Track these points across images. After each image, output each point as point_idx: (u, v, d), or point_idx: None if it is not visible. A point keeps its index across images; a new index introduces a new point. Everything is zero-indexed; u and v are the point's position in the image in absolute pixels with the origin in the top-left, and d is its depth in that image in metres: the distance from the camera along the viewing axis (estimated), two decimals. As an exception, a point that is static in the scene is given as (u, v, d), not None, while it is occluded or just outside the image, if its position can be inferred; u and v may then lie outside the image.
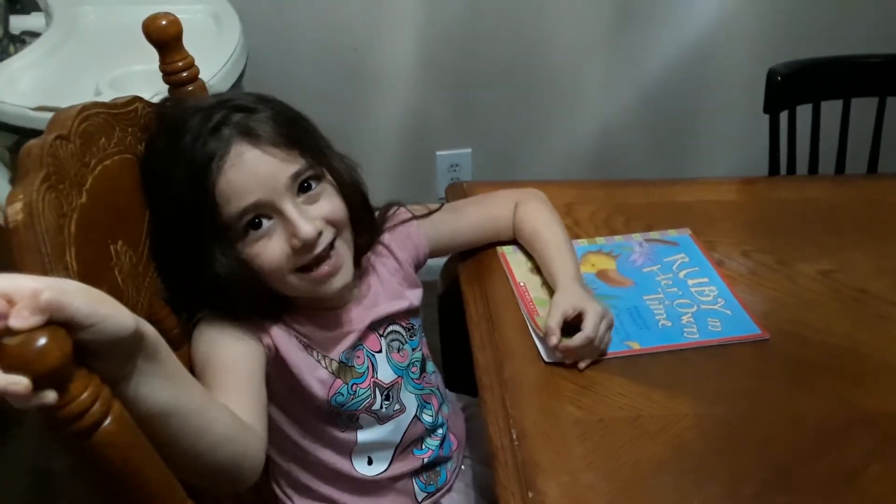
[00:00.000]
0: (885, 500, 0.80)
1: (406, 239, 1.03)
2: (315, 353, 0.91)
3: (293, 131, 0.84)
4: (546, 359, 0.95)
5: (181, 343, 0.88)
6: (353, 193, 0.90)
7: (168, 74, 0.94)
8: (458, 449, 1.07)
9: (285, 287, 0.86)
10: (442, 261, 1.24)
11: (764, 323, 1.01)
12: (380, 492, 0.99)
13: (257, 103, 0.84)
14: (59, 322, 0.51)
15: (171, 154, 0.82)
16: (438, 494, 1.03)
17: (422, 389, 1.01)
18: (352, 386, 0.93)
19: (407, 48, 1.86)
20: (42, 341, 0.50)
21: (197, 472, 0.69)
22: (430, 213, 1.06)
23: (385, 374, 0.96)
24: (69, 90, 1.31)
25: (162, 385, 0.62)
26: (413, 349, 1.00)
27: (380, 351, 0.97)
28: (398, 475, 0.99)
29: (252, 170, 0.80)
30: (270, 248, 0.83)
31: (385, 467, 0.98)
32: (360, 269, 0.96)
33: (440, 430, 1.03)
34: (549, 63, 1.92)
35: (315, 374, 0.91)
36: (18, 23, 1.55)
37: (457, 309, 1.08)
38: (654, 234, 1.16)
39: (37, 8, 1.57)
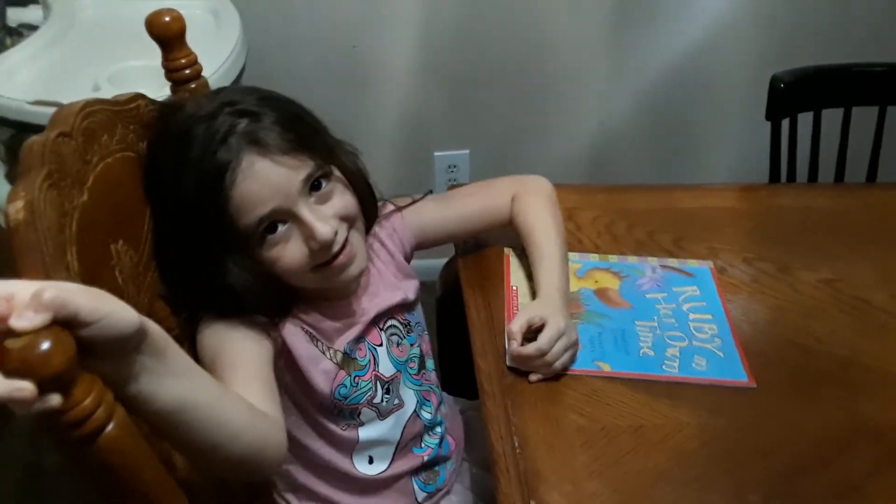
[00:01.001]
0: (888, 512, 0.80)
1: (392, 232, 1.03)
2: (320, 345, 0.92)
3: (299, 133, 0.83)
4: (507, 362, 0.94)
5: (181, 344, 0.87)
6: (359, 184, 0.91)
7: (170, 71, 0.93)
8: (457, 450, 1.07)
9: (303, 283, 0.87)
10: (441, 262, 1.23)
11: (766, 332, 1.00)
12: (380, 492, 0.99)
13: (260, 106, 0.83)
14: (62, 321, 0.50)
15: (178, 165, 0.81)
16: (438, 495, 1.03)
17: (420, 385, 1.01)
18: (354, 378, 0.93)
19: (406, 47, 1.85)
20: (46, 344, 0.49)
21: (219, 465, 0.69)
22: (414, 201, 1.05)
23: (385, 367, 0.97)
24: (67, 85, 1.29)
25: (174, 382, 0.61)
26: (411, 345, 1.01)
27: (381, 344, 0.97)
28: (398, 474, 0.99)
29: (264, 180, 0.80)
30: (289, 251, 0.84)
31: (385, 466, 0.98)
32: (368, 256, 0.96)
33: (439, 429, 1.03)
34: (548, 65, 1.91)
35: (320, 365, 0.91)
36: (16, 15, 1.54)
37: (455, 311, 1.07)
38: (672, 262, 1.11)
39: (34, 0, 1.55)
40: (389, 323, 0.99)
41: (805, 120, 1.47)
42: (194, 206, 0.81)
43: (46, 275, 0.62)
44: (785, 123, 1.47)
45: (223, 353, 0.82)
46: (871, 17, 1.93)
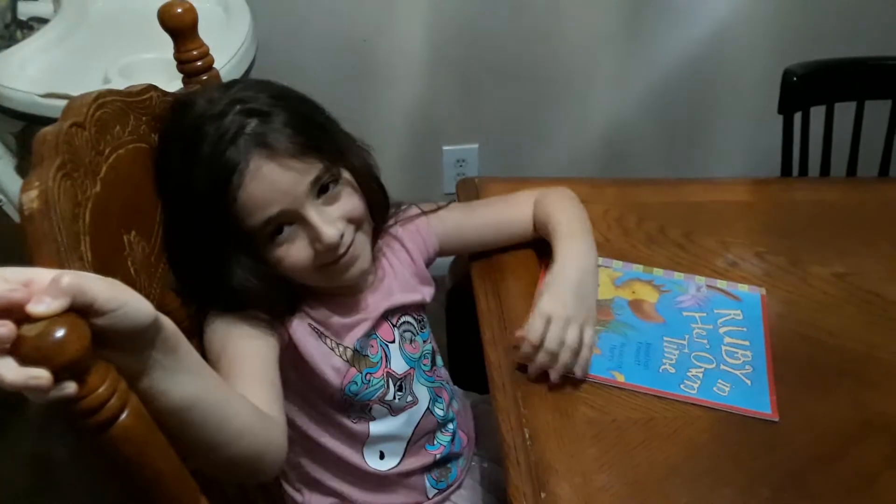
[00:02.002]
0: (901, 506, 0.80)
1: (416, 233, 1.03)
2: (329, 341, 0.91)
3: (309, 135, 0.83)
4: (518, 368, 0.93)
5: (191, 336, 0.87)
6: (370, 185, 0.91)
7: (182, 63, 0.93)
8: (468, 445, 1.07)
9: (306, 281, 0.88)
10: (450, 257, 1.23)
11: (777, 325, 1.00)
12: (390, 487, 0.99)
13: (271, 105, 0.83)
14: (78, 308, 0.50)
15: (187, 162, 0.81)
16: (449, 491, 1.03)
17: (433, 382, 1.01)
18: (365, 375, 0.93)
19: (416, 41, 1.84)
20: (61, 332, 0.49)
21: (220, 465, 0.69)
22: (439, 208, 1.05)
23: (398, 364, 0.96)
24: (78, 77, 1.29)
25: (183, 379, 0.61)
26: (424, 341, 1.01)
27: (393, 341, 0.97)
28: (410, 471, 0.99)
29: (272, 183, 0.80)
30: (294, 252, 0.84)
31: (397, 462, 0.98)
32: (375, 256, 0.96)
33: (451, 426, 1.03)
34: (558, 58, 1.90)
35: (329, 362, 0.91)
36: (26, 8, 1.54)
37: (465, 305, 1.07)
38: (721, 283, 1.06)
39: (45, -6, 1.55)
40: (403, 319, 0.99)
41: (818, 113, 1.46)
42: (202, 203, 0.81)
43: (61, 264, 0.62)
44: (797, 117, 1.46)
45: (228, 350, 0.82)
46: (884, 11, 1.91)
